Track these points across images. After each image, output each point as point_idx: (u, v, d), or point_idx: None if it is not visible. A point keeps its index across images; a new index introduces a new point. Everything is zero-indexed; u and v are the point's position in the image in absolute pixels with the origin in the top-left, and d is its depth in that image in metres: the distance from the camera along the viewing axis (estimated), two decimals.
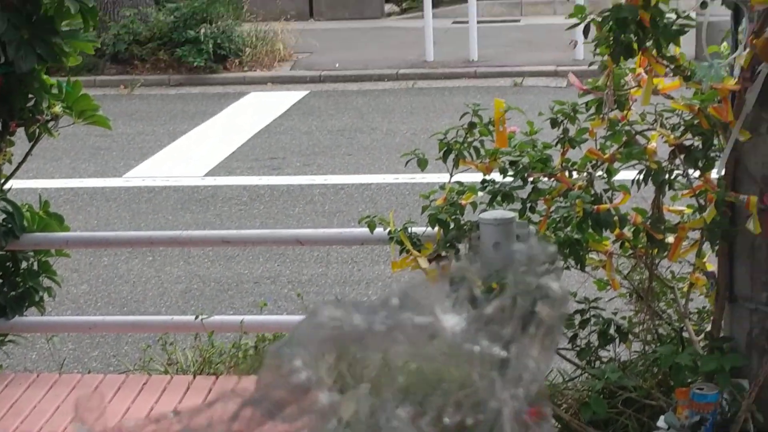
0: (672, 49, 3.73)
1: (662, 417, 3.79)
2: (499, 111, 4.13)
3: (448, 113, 10.97)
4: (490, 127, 4.16)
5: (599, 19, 3.67)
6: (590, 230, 3.92)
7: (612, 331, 4.10)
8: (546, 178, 4.05)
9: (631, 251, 4.10)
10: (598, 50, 3.79)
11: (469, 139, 4.16)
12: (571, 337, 4.15)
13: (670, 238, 3.93)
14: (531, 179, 4.04)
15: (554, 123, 4.04)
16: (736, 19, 3.71)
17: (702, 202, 3.87)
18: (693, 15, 3.83)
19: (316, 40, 14.73)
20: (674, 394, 3.83)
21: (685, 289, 4.14)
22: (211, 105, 12.42)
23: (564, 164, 4.05)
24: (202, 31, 13.56)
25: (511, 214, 4.04)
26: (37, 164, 9.52)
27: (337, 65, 13.75)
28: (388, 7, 17.10)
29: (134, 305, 6.80)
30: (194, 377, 4.80)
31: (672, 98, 3.86)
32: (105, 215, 8.56)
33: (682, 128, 3.87)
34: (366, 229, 4.26)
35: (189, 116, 11.91)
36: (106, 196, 9.08)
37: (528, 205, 4.08)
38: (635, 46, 3.65)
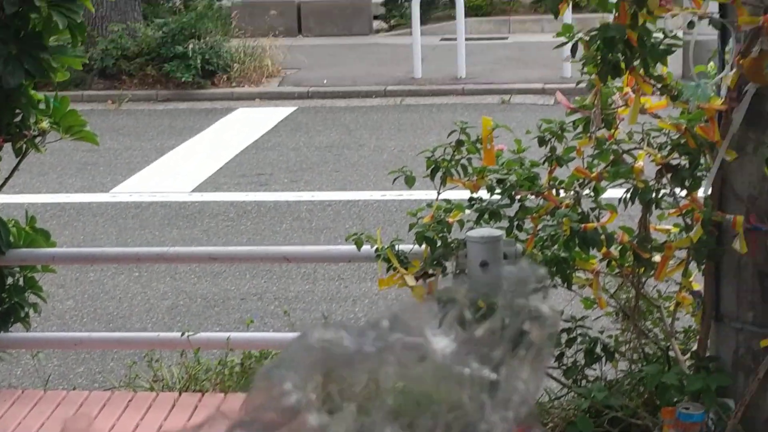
0: (659, 69, 3.74)
1: None
2: (487, 129, 4.14)
3: (436, 130, 10.98)
4: (478, 145, 4.17)
5: (587, 38, 3.68)
6: (577, 249, 3.93)
7: (598, 349, 4.11)
8: (533, 197, 4.06)
9: (617, 270, 4.10)
10: (585, 69, 3.80)
11: (457, 157, 4.17)
12: (557, 356, 4.15)
13: (657, 257, 3.93)
14: (518, 197, 4.05)
15: (542, 141, 4.05)
16: (723, 39, 3.73)
17: (689, 221, 3.88)
18: (680, 34, 3.85)
19: (305, 56, 14.75)
20: (660, 414, 3.83)
21: (671, 308, 4.14)
22: (198, 120, 12.41)
23: (551, 183, 4.06)
24: (191, 46, 13.56)
25: (499, 233, 4.05)
26: (23, 179, 9.49)
27: (325, 81, 13.76)
28: (377, 24, 17.13)
29: (120, 321, 6.78)
30: (180, 394, 4.78)
31: (659, 117, 3.88)
32: (92, 230, 8.54)
33: (669, 147, 3.88)
34: (353, 247, 4.26)
35: (176, 132, 11.90)
36: (92, 211, 9.06)
37: (515, 223, 4.09)
38: (623, 65, 3.66)
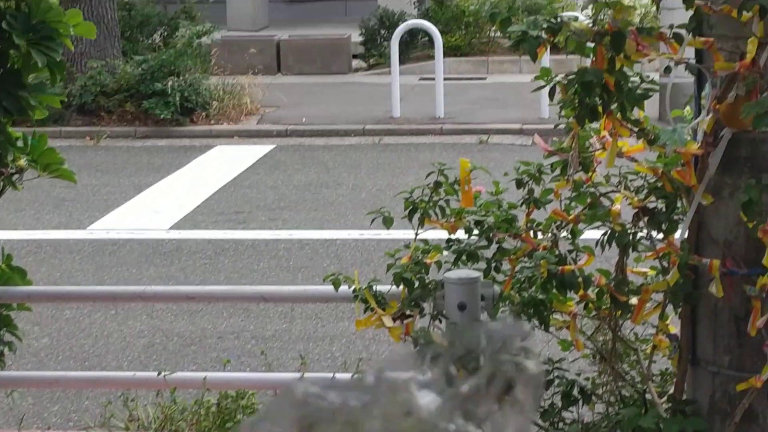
0: (636, 113, 3.77)
1: None
2: (465, 171, 4.15)
3: (414, 169, 11.01)
4: (456, 187, 4.18)
5: (565, 82, 3.71)
6: (554, 291, 3.94)
7: (575, 392, 4.11)
8: (511, 238, 4.07)
9: (594, 312, 4.11)
10: (563, 112, 3.83)
11: (435, 198, 4.18)
12: None
13: (634, 300, 3.95)
14: (496, 239, 4.06)
15: (519, 183, 4.07)
16: (699, 84, 3.76)
17: (665, 264, 3.89)
18: (657, 76, 3.88)
19: (284, 94, 14.78)
20: None
21: (648, 351, 4.15)
22: (177, 158, 12.41)
23: (529, 224, 4.07)
24: (170, 83, 13.57)
25: (476, 274, 4.05)
26: None
27: (303, 120, 13.79)
28: (356, 63, 17.19)
29: (96, 359, 6.74)
30: None
31: (636, 161, 3.90)
32: (68, 267, 8.51)
33: (645, 191, 3.90)
34: (330, 287, 4.25)
35: (155, 169, 11.89)
36: (69, 248, 9.03)
37: (493, 264, 4.09)
38: (600, 109, 3.68)
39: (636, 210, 3.88)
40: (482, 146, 12.53)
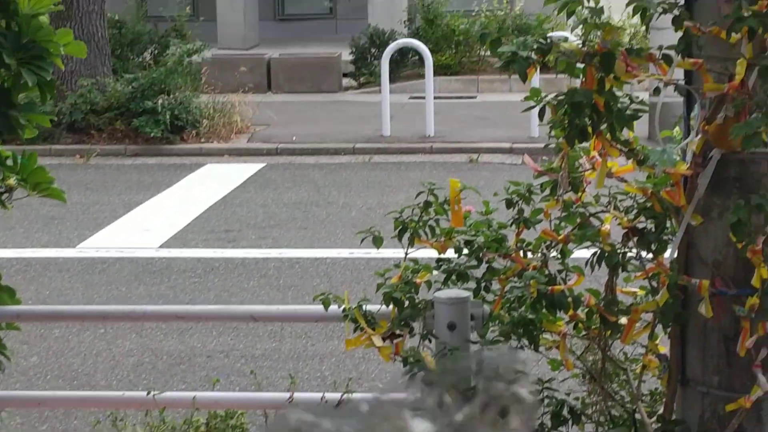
0: (626, 133, 3.78)
1: None
2: (455, 190, 4.15)
3: (404, 188, 11.02)
4: (446, 206, 4.19)
5: (554, 102, 3.72)
6: (544, 311, 3.94)
7: (565, 412, 4.10)
8: (501, 258, 4.07)
9: (584, 332, 4.11)
10: (553, 132, 3.83)
11: (425, 218, 4.18)
12: None
13: (624, 320, 3.95)
14: (486, 259, 4.06)
15: (509, 204, 4.08)
16: (689, 105, 3.77)
17: (655, 284, 3.90)
18: (647, 95, 3.89)
19: (274, 112, 14.79)
20: None
21: (637, 371, 4.15)
22: (167, 176, 12.40)
23: (519, 244, 4.07)
24: (160, 101, 13.57)
25: (466, 294, 4.05)
26: None
27: (294, 138, 13.80)
28: (346, 82, 17.21)
29: (85, 378, 6.72)
30: None
31: (625, 181, 3.91)
32: (58, 286, 8.49)
33: (635, 211, 3.91)
34: (320, 306, 4.25)
35: (145, 187, 11.88)
36: (59, 266, 9.01)
37: (483, 284, 4.10)
38: (590, 129, 3.69)
39: (625, 230, 3.89)
40: (472, 165, 12.55)
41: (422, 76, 14.48)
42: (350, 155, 13.20)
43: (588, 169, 3.95)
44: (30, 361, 6.96)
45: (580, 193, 3.97)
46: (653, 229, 3.86)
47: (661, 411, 3.99)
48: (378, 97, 14.22)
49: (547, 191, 4.00)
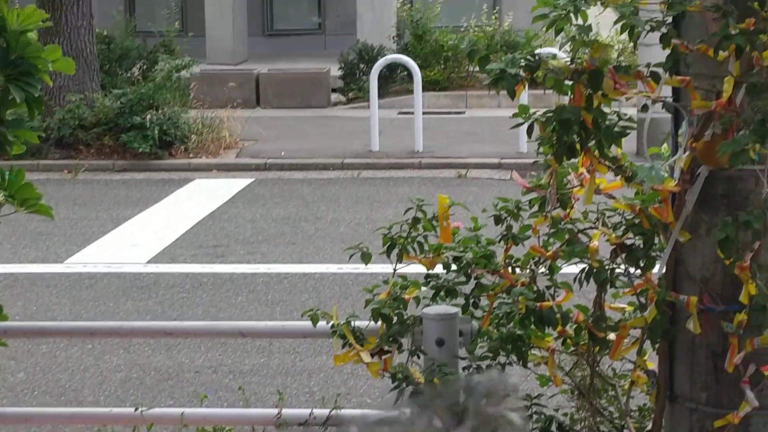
0: (614, 150, 3.78)
1: None
2: (443, 207, 4.16)
3: (393, 203, 11.02)
4: (434, 223, 4.19)
5: (543, 119, 3.72)
6: (533, 327, 3.95)
7: (554, 428, 4.11)
8: (489, 274, 4.08)
9: (573, 348, 4.12)
10: (541, 149, 3.84)
11: (413, 234, 4.18)
12: None
13: (612, 336, 3.95)
14: (474, 275, 4.06)
15: (498, 220, 4.08)
16: (676, 122, 3.79)
17: (643, 300, 3.90)
18: (635, 112, 3.90)
19: (262, 127, 14.79)
20: None
21: (626, 387, 4.16)
22: (155, 191, 12.39)
23: (507, 261, 4.08)
24: (148, 117, 13.56)
25: (454, 310, 4.05)
26: None
27: (282, 153, 13.80)
28: (335, 97, 17.23)
29: (72, 394, 6.70)
30: None
31: (614, 198, 3.91)
32: (45, 301, 8.47)
33: (623, 227, 3.91)
34: (309, 322, 4.24)
35: (133, 202, 11.87)
36: (46, 282, 8.99)
37: (471, 300, 4.10)
38: (578, 146, 3.70)
39: (614, 246, 3.90)
40: (461, 180, 12.56)
41: (411, 91, 14.51)
42: (339, 170, 13.21)
43: (576, 186, 3.96)
44: (17, 377, 6.94)
45: (568, 210, 3.98)
46: (641, 246, 3.87)
47: (649, 427, 4.00)
48: (367, 113, 14.23)
49: (536, 207, 4.01)
